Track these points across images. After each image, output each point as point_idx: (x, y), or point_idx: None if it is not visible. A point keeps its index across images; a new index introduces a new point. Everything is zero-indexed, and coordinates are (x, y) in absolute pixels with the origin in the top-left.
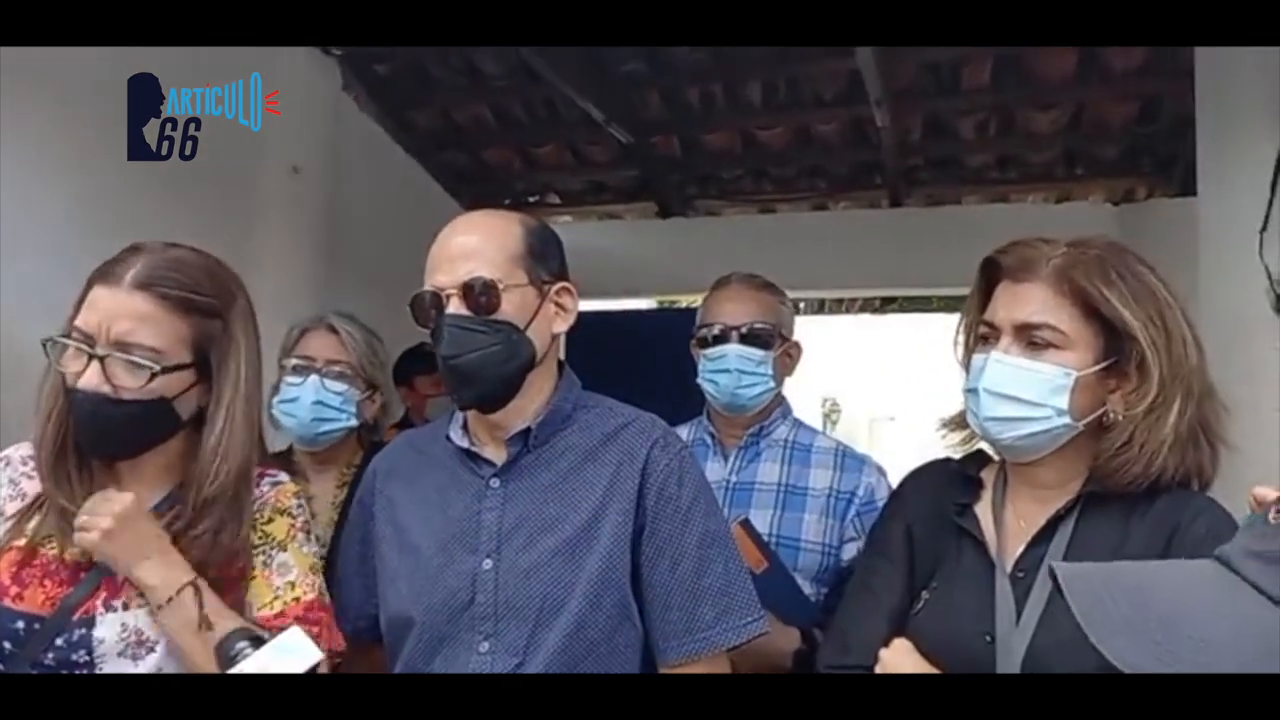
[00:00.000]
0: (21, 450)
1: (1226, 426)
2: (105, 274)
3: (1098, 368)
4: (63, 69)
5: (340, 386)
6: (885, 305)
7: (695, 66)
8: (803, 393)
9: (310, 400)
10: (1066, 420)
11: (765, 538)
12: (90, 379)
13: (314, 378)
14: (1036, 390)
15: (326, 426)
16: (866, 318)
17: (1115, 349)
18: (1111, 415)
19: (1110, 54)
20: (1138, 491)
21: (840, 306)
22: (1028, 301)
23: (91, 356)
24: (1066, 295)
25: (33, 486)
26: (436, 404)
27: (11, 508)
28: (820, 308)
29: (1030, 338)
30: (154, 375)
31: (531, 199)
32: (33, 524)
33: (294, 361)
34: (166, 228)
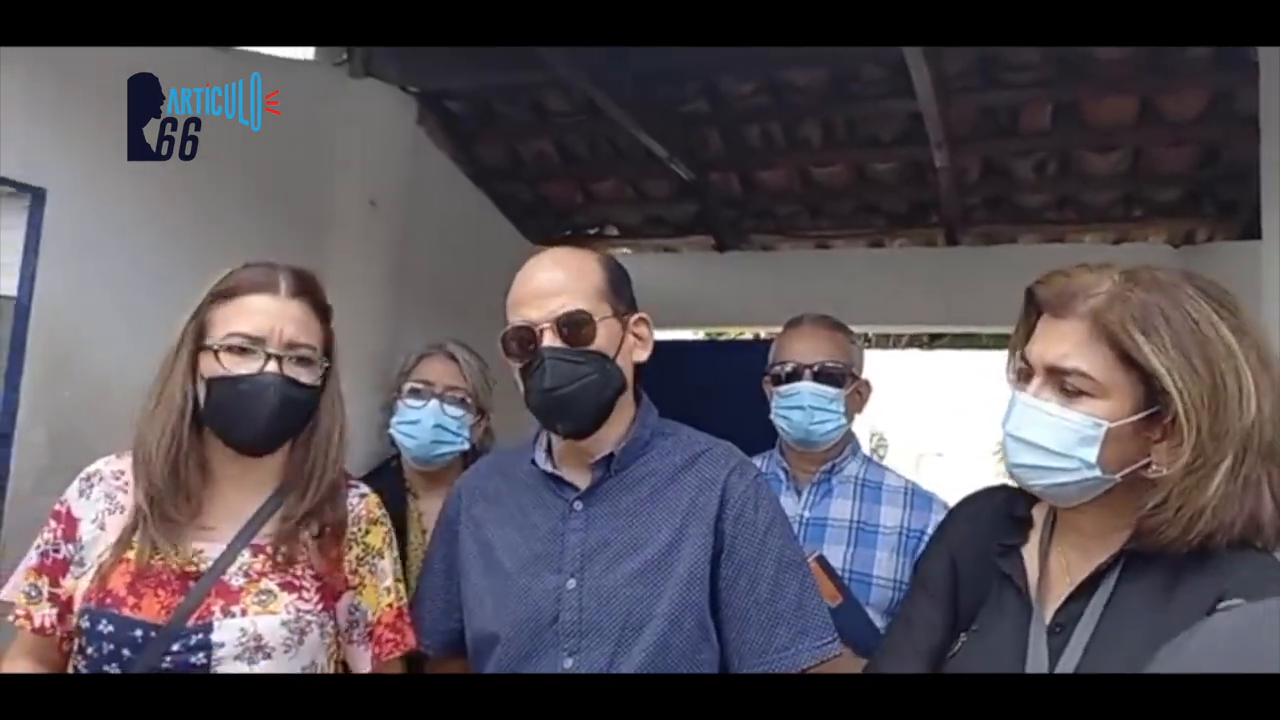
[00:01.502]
0: (111, 465)
1: None
2: (255, 285)
3: (1133, 419)
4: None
5: (458, 411)
6: (933, 341)
7: (755, 106)
8: (853, 427)
9: (431, 423)
10: (1096, 473)
11: (839, 573)
12: (272, 371)
13: (434, 402)
14: (1062, 440)
15: (444, 449)
16: (914, 353)
17: (1156, 399)
18: (1155, 468)
19: (1168, 101)
20: (1184, 551)
21: (887, 342)
22: (1061, 342)
23: (269, 356)
24: (1102, 340)
25: (128, 500)
26: None
27: (112, 521)
28: (867, 342)
29: (1062, 382)
30: (326, 369)
31: (591, 231)
32: (138, 537)
33: (413, 385)
34: (248, 257)
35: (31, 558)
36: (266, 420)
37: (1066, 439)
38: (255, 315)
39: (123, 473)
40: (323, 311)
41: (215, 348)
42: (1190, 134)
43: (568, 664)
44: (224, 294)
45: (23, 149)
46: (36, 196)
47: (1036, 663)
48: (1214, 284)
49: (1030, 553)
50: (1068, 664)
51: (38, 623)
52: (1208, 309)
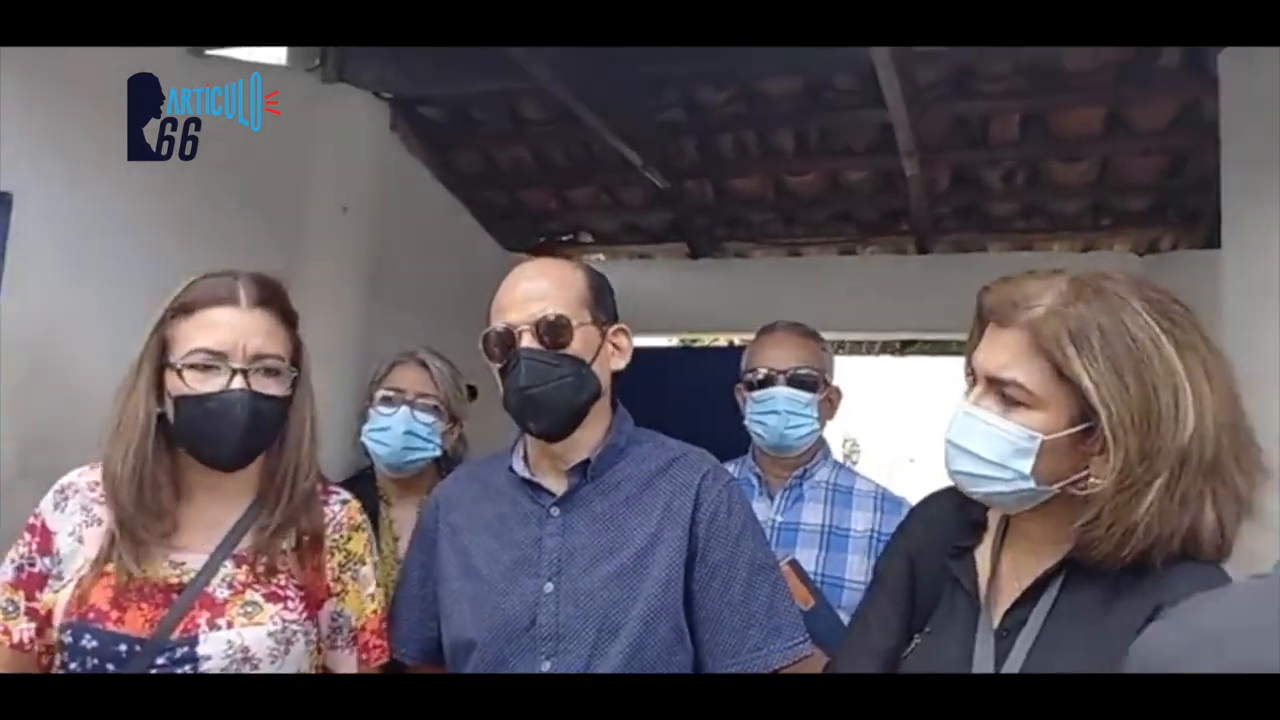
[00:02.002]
0: (85, 476)
1: (1258, 491)
2: (215, 297)
3: (1068, 432)
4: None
5: (429, 418)
6: (905, 348)
7: (729, 115)
8: (824, 432)
9: (401, 430)
10: (1030, 485)
11: (811, 576)
12: (238, 387)
13: (405, 409)
14: (998, 450)
15: (415, 455)
16: (887, 359)
17: (1091, 413)
18: (1092, 481)
19: (1136, 112)
20: (1125, 563)
21: (860, 348)
22: (1001, 351)
23: (234, 372)
24: (1038, 353)
25: (105, 511)
26: None
27: (89, 533)
28: (839, 349)
29: (1000, 392)
30: (294, 379)
31: (565, 238)
32: (117, 550)
33: (385, 392)
34: (220, 262)
35: (6, 572)
36: (237, 438)
37: (1002, 449)
38: (217, 329)
39: (98, 483)
40: (288, 318)
41: (179, 366)
42: (1158, 144)
43: (545, 667)
44: (183, 308)
45: None
46: (3, 200)
47: (982, 666)
48: (1164, 295)
49: (983, 555)
50: (1011, 668)
51: (15, 638)
52: (1150, 323)
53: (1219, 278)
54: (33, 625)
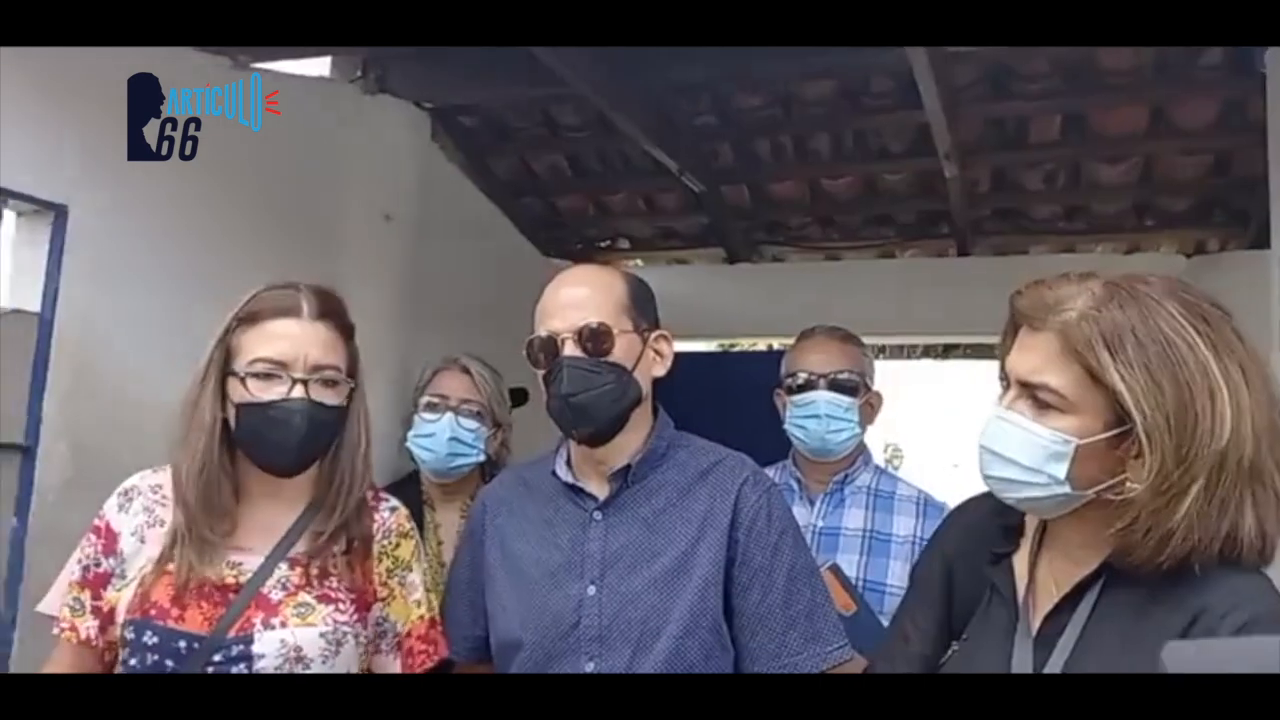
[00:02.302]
0: (148, 479)
1: None
2: (278, 309)
3: (1103, 436)
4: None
5: (473, 424)
6: (947, 352)
7: (765, 119)
8: (865, 437)
9: (447, 436)
10: (1065, 490)
11: (852, 582)
12: (298, 396)
13: (449, 415)
14: (1032, 455)
15: (460, 461)
16: (928, 363)
17: (1126, 417)
18: (1129, 486)
19: (1179, 111)
20: (1163, 569)
21: (901, 352)
22: (1034, 356)
23: (295, 381)
24: (1072, 356)
25: (168, 514)
26: None
27: (151, 534)
28: (880, 353)
29: (1035, 397)
30: (351, 390)
31: (603, 244)
32: (179, 550)
33: (429, 399)
34: (265, 272)
35: (74, 572)
36: (296, 445)
37: (1036, 454)
38: (279, 340)
39: (160, 486)
40: (346, 331)
41: (242, 374)
42: (1201, 143)
43: (589, 668)
44: (248, 318)
45: (45, 166)
46: (59, 213)
47: (1021, 672)
48: (1200, 297)
49: (1020, 561)
50: (1051, 671)
51: (83, 635)
52: (1185, 325)
53: (1268, 279)
54: (97, 623)
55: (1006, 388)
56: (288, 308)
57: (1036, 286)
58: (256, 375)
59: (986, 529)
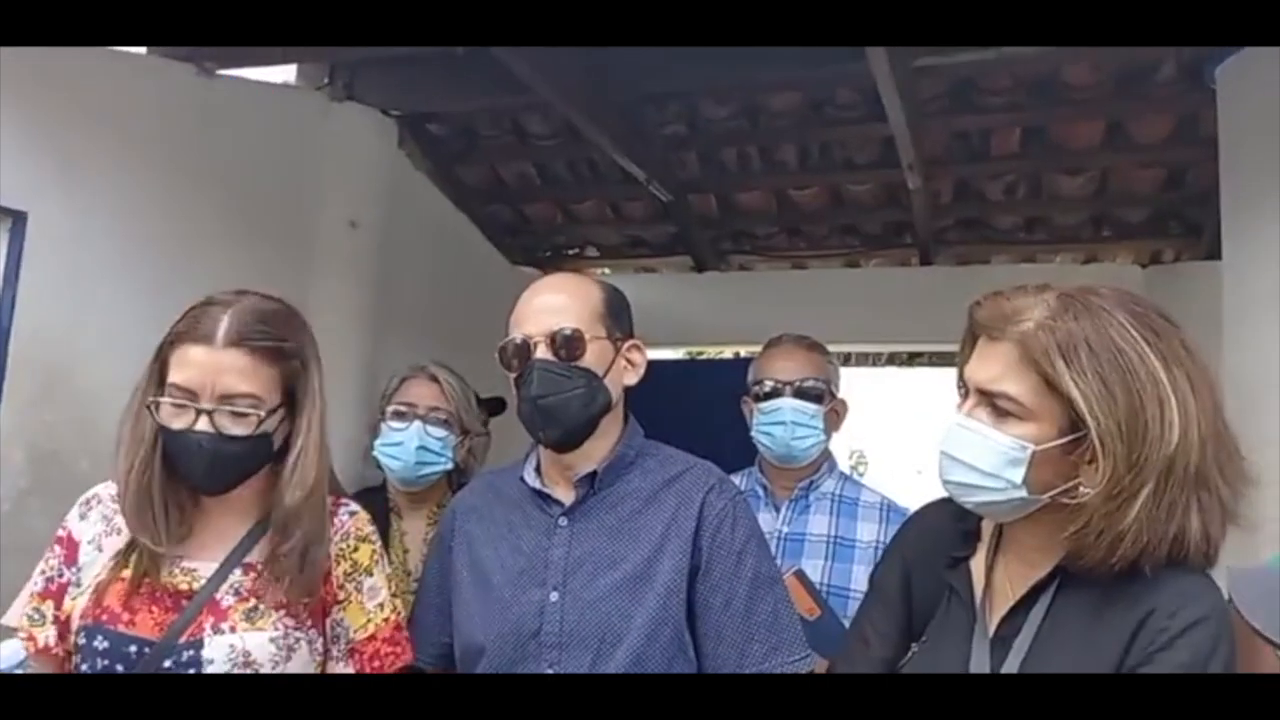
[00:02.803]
0: (109, 489)
1: (1247, 502)
2: (195, 333)
3: (1058, 442)
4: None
5: (440, 432)
6: (912, 359)
7: (732, 129)
8: (831, 445)
9: (414, 445)
10: (1022, 494)
11: (817, 587)
12: (202, 428)
13: (417, 423)
14: (991, 460)
15: (427, 469)
16: (893, 371)
17: (1079, 424)
18: (1083, 490)
19: (1135, 125)
20: (1115, 570)
21: (867, 360)
22: (993, 364)
23: (199, 412)
24: (1029, 364)
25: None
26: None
27: (108, 542)
28: (846, 361)
29: (992, 404)
30: (260, 421)
31: (570, 252)
32: (135, 557)
33: (396, 407)
34: (230, 279)
35: (36, 583)
36: (203, 473)
37: (995, 460)
38: (189, 368)
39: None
40: (270, 355)
41: (158, 400)
42: (1157, 157)
43: (549, 674)
44: (174, 339)
45: (3, 172)
46: (18, 219)
47: (978, 671)
48: (1149, 308)
49: (977, 564)
50: (1009, 670)
51: (41, 643)
52: (1136, 336)
53: (1220, 289)
54: (55, 630)
55: (965, 396)
56: (201, 334)
57: (994, 298)
58: (169, 402)
59: (945, 533)
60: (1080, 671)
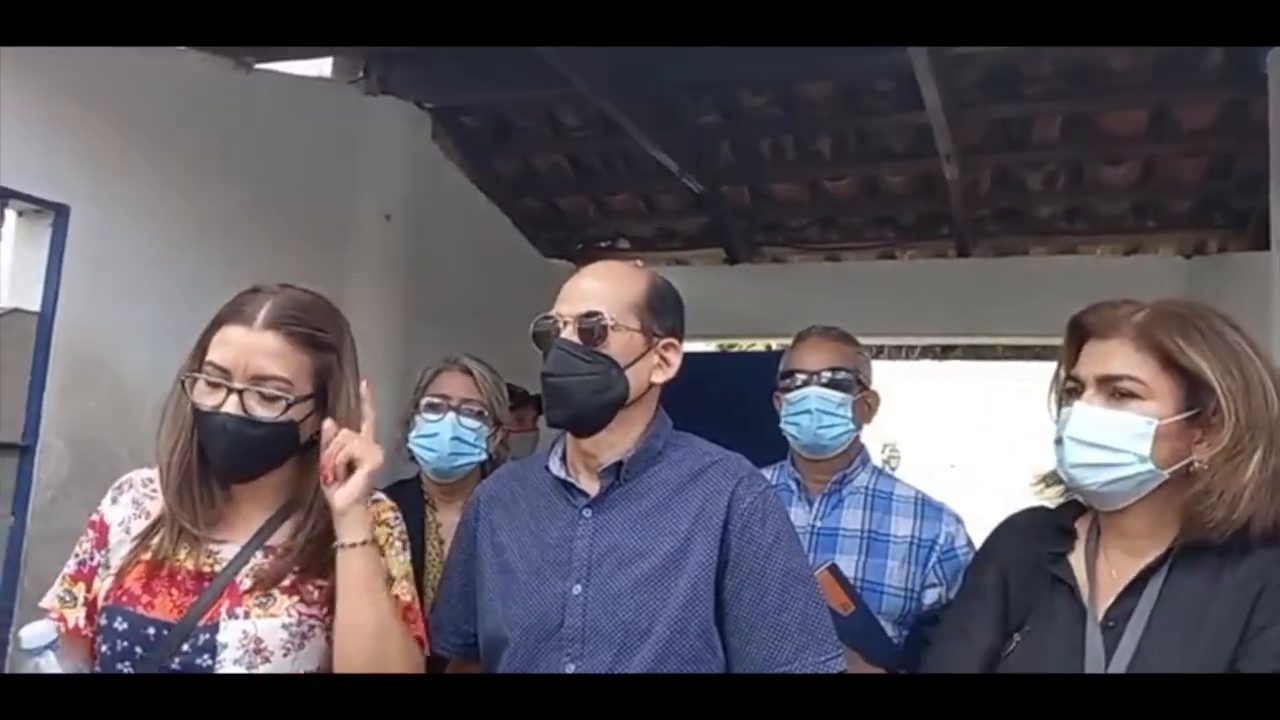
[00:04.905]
0: (142, 474)
1: None
2: (236, 314)
3: (1179, 417)
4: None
5: (474, 424)
6: (946, 352)
7: (767, 119)
8: (863, 438)
9: (449, 436)
10: (1150, 467)
11: (851, 581)
12: (230, 408)
13: (451, 415)
14: (1119, 437)
15: (461, 461)
16: (927, 364)
17: (1196, 400)
18: (1196, 465)
19: (1180, 112)
20: (1228, 543)
21: (900, 353)
22: (1111, 356)
23: (230, 390)
24: (1147, 349)
25: (154, 506)
26: (521, 440)
27: (137, 526)
28: (879, 354)
29: (1113, 389)
30: (288, 405)
31: (603, 244)
32: (156, 539)
33: (430, 399)
34: (266, 271)
35: (70, 566)
36: (224, 454)
37: (1123, 436)
38: (225, 347)
39: (151, 480)
40: (305, 341)
41: (195, 377)
42: (1202, 145)
43: (569, 669)
44: (216, 320)
45: (45, 166)
46: (60, 213)
47: (1093, 656)
48: (1219, 316)
49: (1077, 560)
50: (1123, 657)
51: (71, 624)
52: (1225, 326)
53: (1268, 280)
54: (84, 612)
55: (1076, 392)
56: (241, 314)
57: (1101, 307)
58: (204, 379)
59: (1039, 533)
60: (1198, 651)
